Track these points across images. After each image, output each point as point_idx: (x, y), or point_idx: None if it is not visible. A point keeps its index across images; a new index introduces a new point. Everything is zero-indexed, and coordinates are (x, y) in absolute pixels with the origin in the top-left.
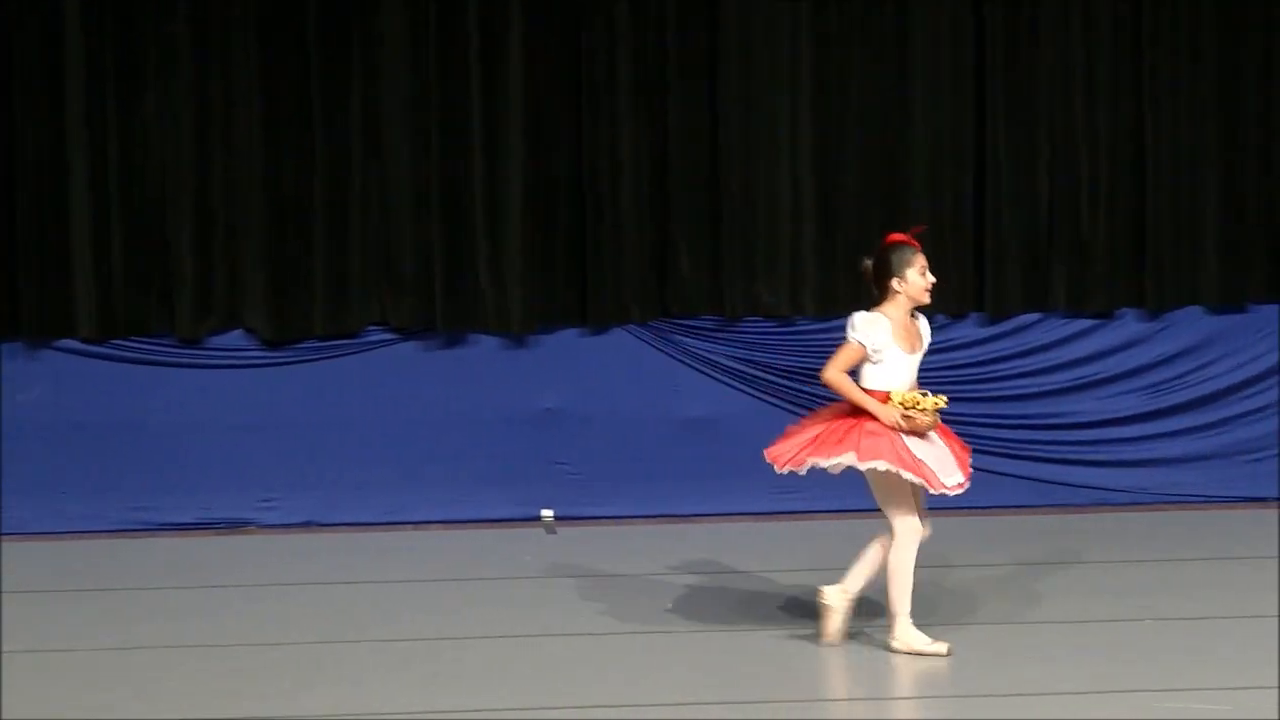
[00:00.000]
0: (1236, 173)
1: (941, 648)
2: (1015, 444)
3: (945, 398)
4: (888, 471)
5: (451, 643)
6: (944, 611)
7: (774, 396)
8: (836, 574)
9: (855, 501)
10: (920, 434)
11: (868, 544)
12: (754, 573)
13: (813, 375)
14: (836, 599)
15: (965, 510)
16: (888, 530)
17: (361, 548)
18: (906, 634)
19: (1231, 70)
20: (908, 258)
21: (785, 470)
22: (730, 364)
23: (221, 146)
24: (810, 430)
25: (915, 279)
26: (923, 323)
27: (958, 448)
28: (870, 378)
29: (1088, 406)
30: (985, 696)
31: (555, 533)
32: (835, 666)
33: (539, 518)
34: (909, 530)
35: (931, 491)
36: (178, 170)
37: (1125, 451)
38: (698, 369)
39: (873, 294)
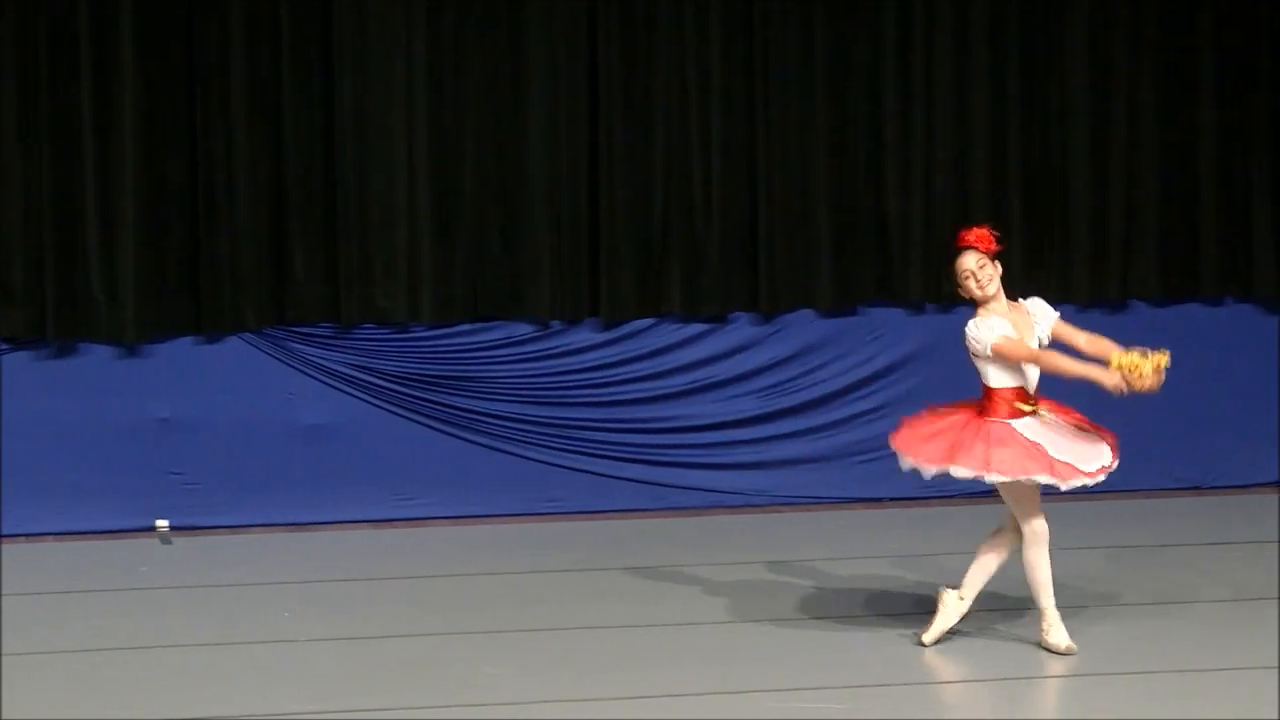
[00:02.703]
0: (845, 179)
1: (1067, 645)
2: (631, 448)
3: (1168, 354)
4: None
5: (65, 656)
6: (579, 615)
7: (391, 404)
8: (458, 580)
9: (469, 508)
10: (1148, 391)
11: (981, 550)
12: (374, 579)
13: (429, 381)
14: (951, 602)
15: (580, 515)
16: (1009, 532)
17: None
18: (1054, 630)
19: (840, 80)
20: (956, 263)
21: (910, 468)
22: (347, 371)
23: None
24: (940, 430)
25: (961, 283)
26: (1032, 304)
27: (1099, 436)
28: (994, 377)
29: (702, 410)
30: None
31: (171, 543)
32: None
33: (154, 528)
34: (1035, 531)
35: (1063, 488)
36: None
37: (740, 454)
38: (314, 376)
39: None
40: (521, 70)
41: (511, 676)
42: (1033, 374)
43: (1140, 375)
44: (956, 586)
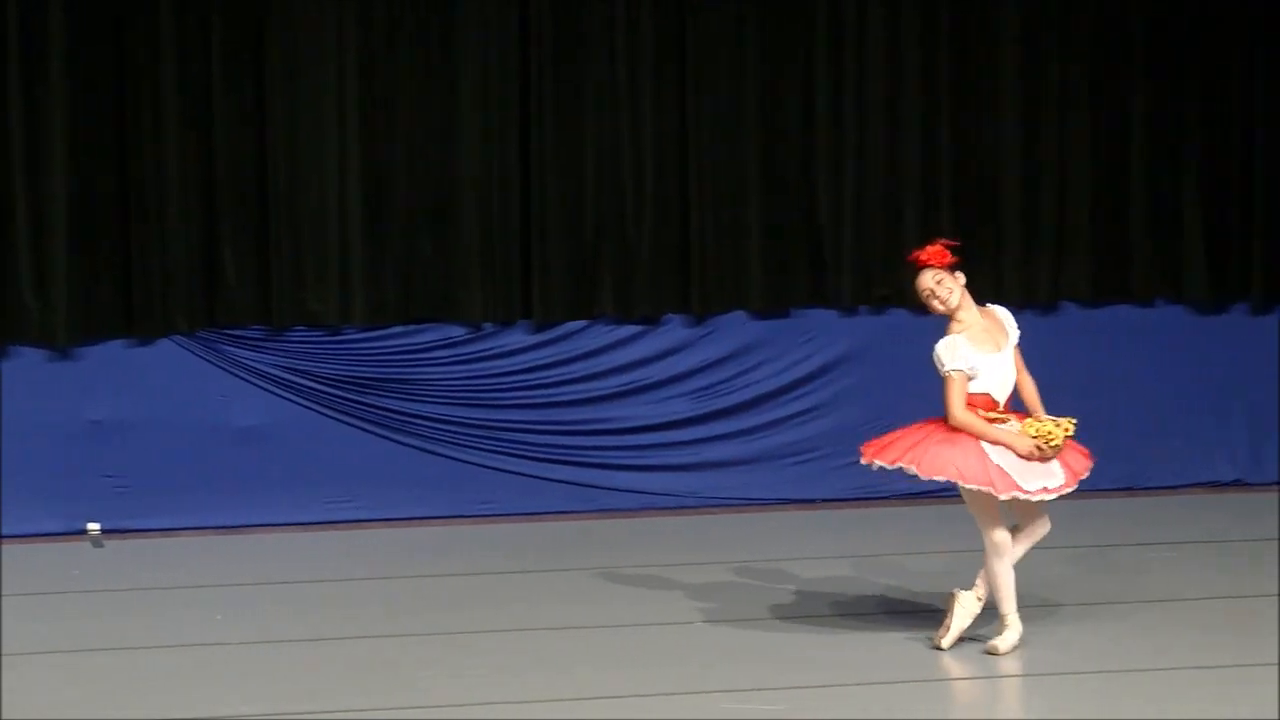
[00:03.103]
0: (776, 181)
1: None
2: (564, 450)
3: (1074, 421)
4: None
5: None
6: (506, 617)
7: (323, 406)
8: (390, 582)
9: (401, 510)
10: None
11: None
12: (306, 581)
13: (361, 383)
14: (969, 603)
15: (512, 517)
16: (1021, 532)
17: None
18: (1007, 635)
19: (771, 83)
20: (915, 284)
21: (872, 464)
22: (279, 374)
23: None
24: (905, 434)
25: (925, 302)
26: (1003, 313)
27: (1069, 455)
28: (971, 387)
29: (635, 412)
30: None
31: (103, 546)
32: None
33: (86, 531)
34: (995, 542)
35: (1001, 497)
36: None
37: (673, 456)
38: (246, 379)
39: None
40: (453, 74)
41: (444, 678)
42: (1000, 383)
43: (1052, 443)
44: (969, 588)
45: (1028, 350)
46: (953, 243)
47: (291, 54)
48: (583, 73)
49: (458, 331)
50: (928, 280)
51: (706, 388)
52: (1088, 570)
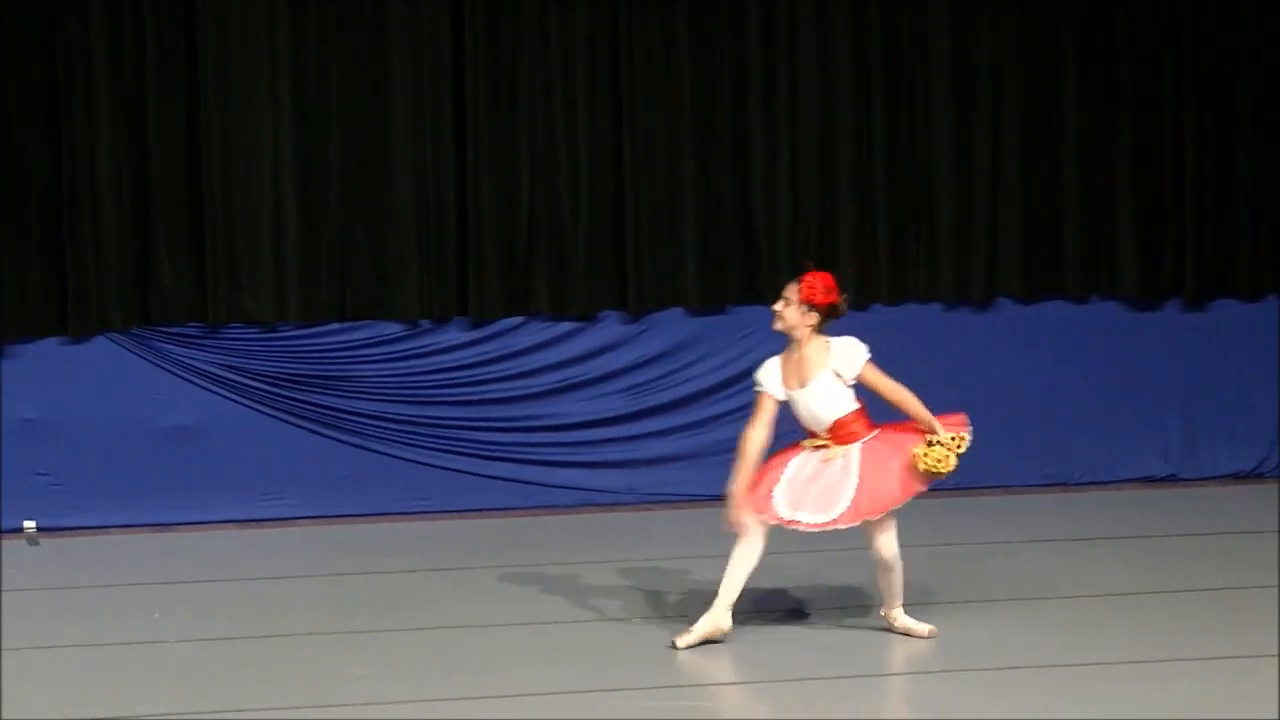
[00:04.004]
0: (711, 179)
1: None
2: (500, 446)
3: (968, 436)
4: None
5: None
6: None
7: (258, 403)
8: (326, 580)
9: (337, 508)
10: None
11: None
12: (242, 579)
13: (297, 380)
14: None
15: (449, 514)
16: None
17: None
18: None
19: (706, 82)
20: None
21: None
22: (214, 371)
23: None
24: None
25: None
26: (841, 344)
27: (859, 495)
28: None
29: (571, 408)
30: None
31: (39, 544)
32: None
33: (21, 529)
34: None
35: (768, 520)
36: None
37: (609, 452)
38: (181, 376)
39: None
40: (387, 69)
41: (380, 677)
42: (807, 415)
43: (941, 467)
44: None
45: (964, 346)
46: (833, 286)
47: (224, 51)
48: (516, 70)
49: (393, 328)
50: (788, 293)
51: (642, 384)
52: (1017, 565)
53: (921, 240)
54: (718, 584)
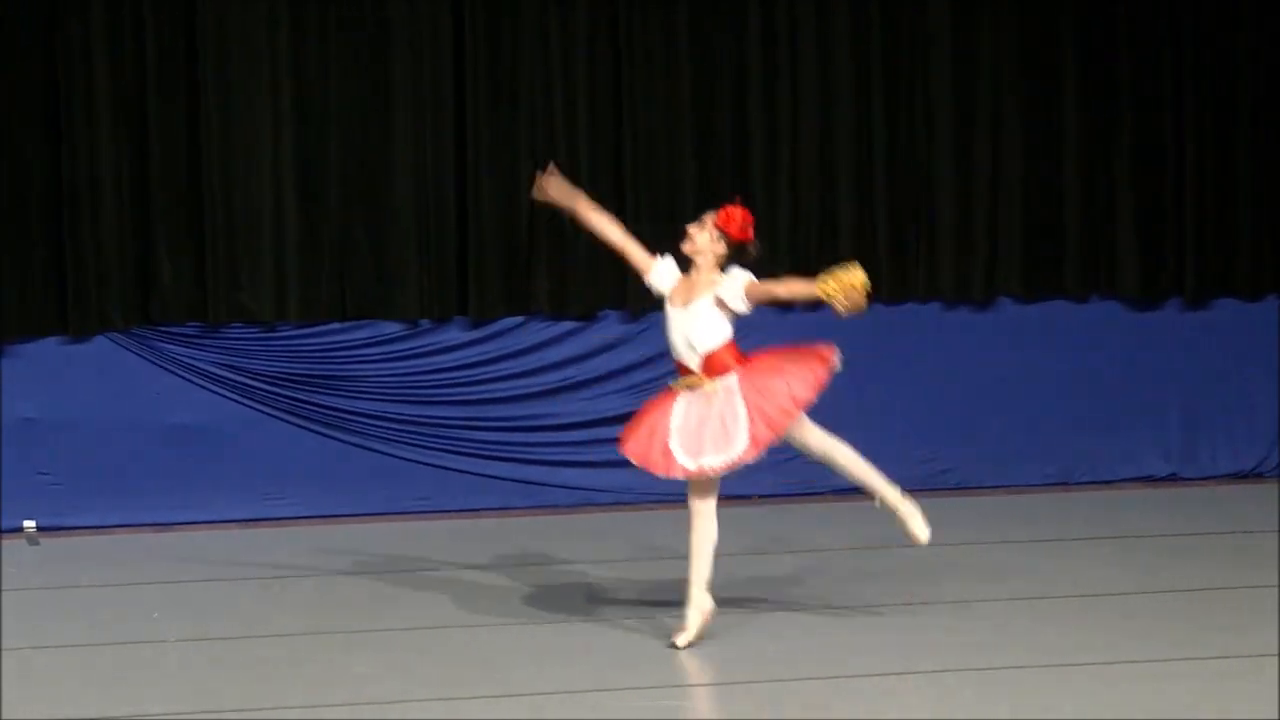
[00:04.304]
0: (711, 178)
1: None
2: (500, 446)
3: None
4: None
5: None
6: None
7: (259, 403)
8: (327, 579)
9: (337, 507)
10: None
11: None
12: (243, 579)
13: (297, 380)
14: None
15: (449, 514)
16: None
17: None
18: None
19: (706, 80)
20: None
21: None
22: (215, 370)
23: None
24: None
25: None
26: (729, 273)
27: (753, 423)
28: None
29: (571, 408)
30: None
31: (39, 544)
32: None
33: (21, 529)
34: (698, 511)
35: (661, 476)
36: None
37: (610, 451)
38: (181, 376)
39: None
40: (387, 69)
41: (381, 676)
42: (686, 346)
43: (850, 294)
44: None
45: (964, 346)
46: (750, 224)
47: (224, 51)
48: (516, 70)
49: (393, 328)
50: (705, 217)
51: (643, 383)
52: (1017, 565)
53: (921, 240)
54: (717, 579)
